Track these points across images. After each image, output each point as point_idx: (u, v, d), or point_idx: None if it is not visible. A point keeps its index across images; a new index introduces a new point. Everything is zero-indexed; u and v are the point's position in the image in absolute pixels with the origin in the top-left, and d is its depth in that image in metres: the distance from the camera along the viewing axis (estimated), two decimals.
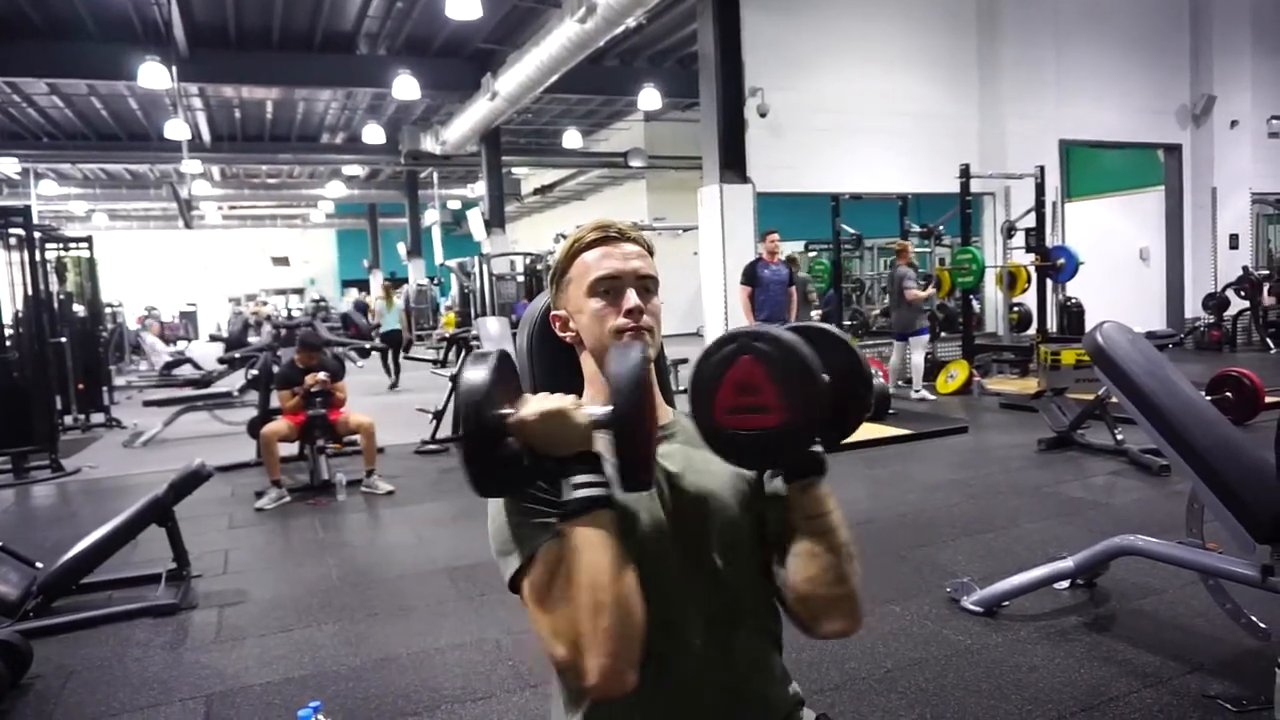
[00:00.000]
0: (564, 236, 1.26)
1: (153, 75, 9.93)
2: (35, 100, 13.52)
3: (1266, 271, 10.99)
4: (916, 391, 7.99)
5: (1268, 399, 5.61)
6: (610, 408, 0.96)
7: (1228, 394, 5.70)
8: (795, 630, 1.15)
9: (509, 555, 1.05)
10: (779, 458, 1.06)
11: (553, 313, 1.23)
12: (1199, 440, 2.41)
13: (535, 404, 0.98)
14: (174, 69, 10.25)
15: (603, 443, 0.99)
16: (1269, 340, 10.47)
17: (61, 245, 9.17)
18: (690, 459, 1.16)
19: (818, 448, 1.07)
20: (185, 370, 12.24)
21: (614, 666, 0.96)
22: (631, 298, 1.14)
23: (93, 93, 13.26)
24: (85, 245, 9.47)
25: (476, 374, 0.95)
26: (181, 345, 18.14)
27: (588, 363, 1.20)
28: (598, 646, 0.95)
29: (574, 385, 1.23)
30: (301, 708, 2.16)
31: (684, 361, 9.31)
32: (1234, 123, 11.11)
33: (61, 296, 8.57)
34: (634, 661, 0.98)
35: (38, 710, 2.64)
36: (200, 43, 11.12)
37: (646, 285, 1.17)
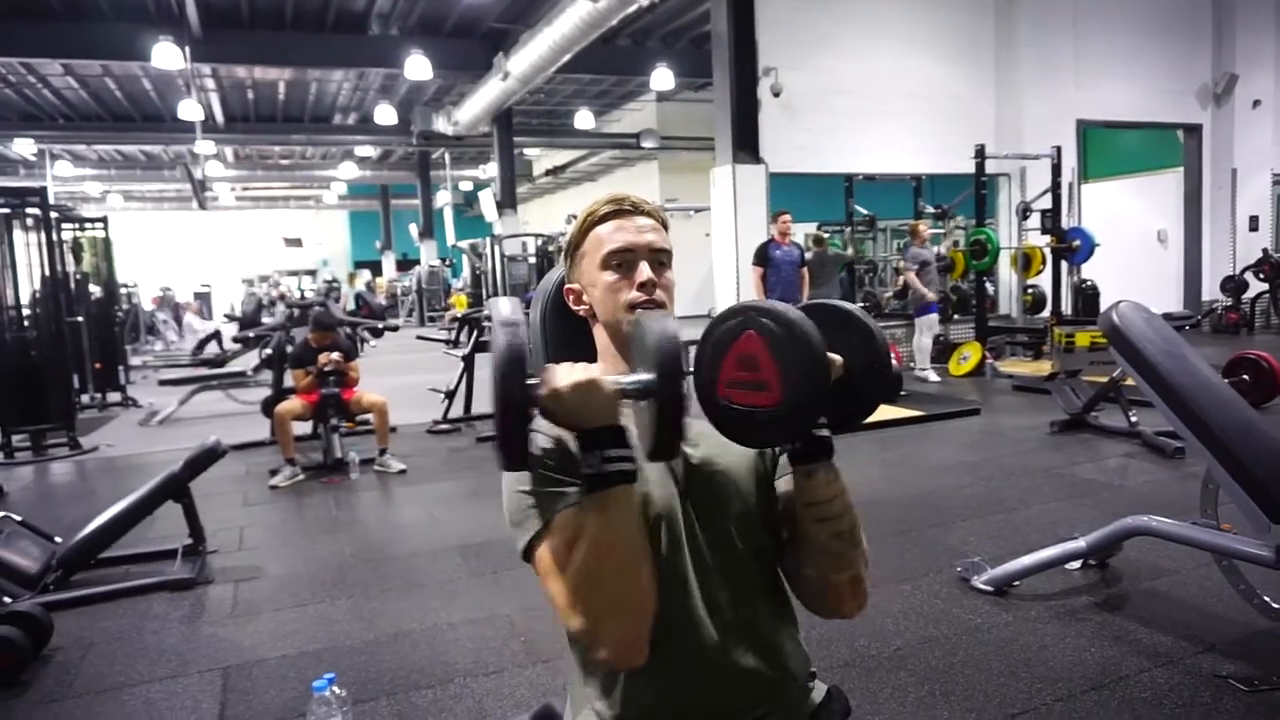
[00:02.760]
0: (575, 217, 1.23)
1: (166, 56, 9.95)
2: (50, 81, 13.56)
3: None
4: (922, 369, 7.96)
5: None
6: (647, 376, 0.93)
7: (1245, 376, 5.67)
8: (804, 609, 1.16)
9: (523, 524, 1.05)
10: (773, 437, 1.03)
11: (566, 285, 1.23)
12: (1215, 421, 2.39)
13: (564, 374, 0.94)
14: (187, 49, 10.27)
15: (626, 412, 0.98)
16: None
17: (77, 226, 9.21)
18: (707, 438, 1.14)
19: (824, 431, 1.04)
20: (211, 348, 12.32)
21: (628, 636, 0.97)
22: (645, 270, 1.14)
23: (107, 73, 13.29)
24: (101, 226, 9.52)
25: (505, 345, 0.92)
26: (210, 325, 18.26)
27: (600, 336, 1.20)
28: (614, 616, 0.96)
29: (587, 358, 1.24)
30: (316, 680, 2.19)
31: (695, 343, 9.25)
32: (1256, 102, 10.93)
33: (78, 276, 8.62)
34: (646, 631, 0.98)
35: (58, 680, 2.69)
36: (213, 23, 11.11)
37: (660, 259, 1.17)
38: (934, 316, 8.19)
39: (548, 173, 22.02)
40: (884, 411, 6.24)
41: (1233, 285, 10.66)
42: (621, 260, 1.15)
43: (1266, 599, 2.57)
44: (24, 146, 16.50)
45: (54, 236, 7.05)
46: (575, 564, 0.98)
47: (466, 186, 23.08)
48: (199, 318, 17.46)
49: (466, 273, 17.58)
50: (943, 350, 8.69)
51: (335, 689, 2.18)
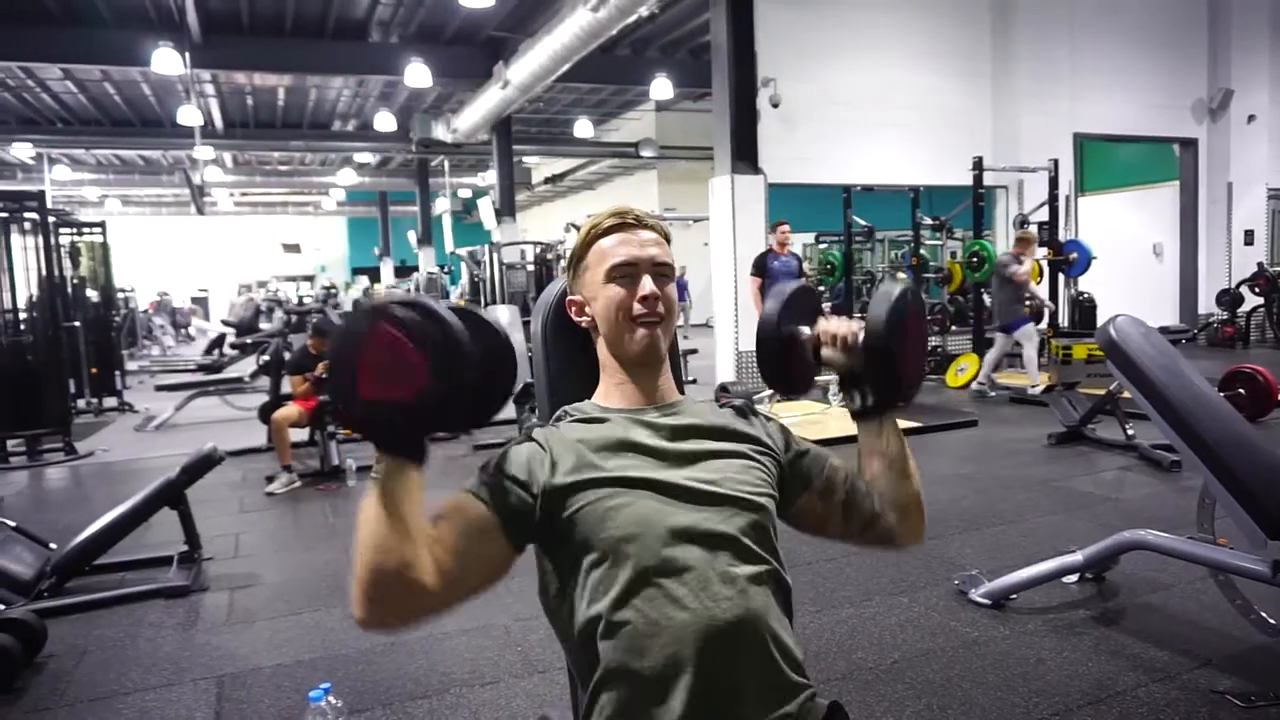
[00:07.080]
0: (575, 226, 1.25)
1: (166, 61, 9.97)
2: (49, 85, 13.56)
3: None
4: (1034, 388, 7.47)
5: None
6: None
7: (1240, 390, 5.69)
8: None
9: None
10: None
11: (569, 298, 1.23)
12: (1211, 435, 2.40)
13: None
14: (187, 55, 10.28)
15: None
16: None
17: (75, 230, 9.22)
18: (700, 435, 1.16)
19: (866, 399, 1.22)
20: (198, 353, 12.35)
21: (370, 609, 1.02)
22: (647, 284, 1.14)
23: (106, 78, 13.30)
24: (99, 230, 9.52)
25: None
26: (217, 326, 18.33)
27: (602, 348, 1.20)
28: (365, 582, 1.04)
29: (589, 371, 1.24)
30: (312, 689, 2.18)
31: (694, 352, 9.28)
32: (1251, 117, 10.99)
33: (75, 281, 8.62)
34: (390, 615, 1.03)
35: (52, 688, 2.68)
36: (213, 29, 11.13)
37: (663, 272, 1.17)
38: (1030, 326, 7.77)
39: (546, 181, 22.08)
40: None
41: (1228, 299, 10.70)
42: (625, 273, 1.15)
43: (1263, 614, 2.57)
44: (22, 150, 16.51)
45: (51, 241, 7.05)
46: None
47: (465, 194, 23.11)
48: (204, 320, 17.60)
49: (465, 280, 17.57)
50: (940, 362, 8.70)
51: (331, 699, 2.17)
